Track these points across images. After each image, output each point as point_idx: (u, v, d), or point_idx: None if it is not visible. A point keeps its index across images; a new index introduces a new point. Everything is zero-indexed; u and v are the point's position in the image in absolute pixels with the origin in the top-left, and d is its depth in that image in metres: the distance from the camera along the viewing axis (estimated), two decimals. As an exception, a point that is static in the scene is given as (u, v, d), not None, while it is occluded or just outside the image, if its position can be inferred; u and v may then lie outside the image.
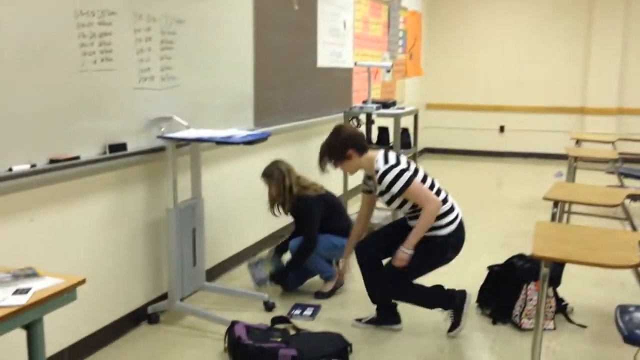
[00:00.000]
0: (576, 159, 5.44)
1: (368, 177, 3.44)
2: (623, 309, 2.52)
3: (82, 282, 1.98)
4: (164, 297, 3.60)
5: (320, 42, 5.66)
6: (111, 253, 3.28)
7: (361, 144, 3.30)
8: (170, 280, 3.47)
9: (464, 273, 4.19)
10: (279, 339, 3.09)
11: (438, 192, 3.23)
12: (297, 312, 3.67)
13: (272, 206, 4.00)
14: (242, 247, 4.63)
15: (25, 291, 1.85)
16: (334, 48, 6.01)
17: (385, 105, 5.27)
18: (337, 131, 3.35)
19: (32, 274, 1.98)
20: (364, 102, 5.27)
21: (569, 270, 4.32)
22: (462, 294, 3.35)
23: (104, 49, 3.04)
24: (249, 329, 3.16)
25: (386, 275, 3.31)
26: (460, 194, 6.81)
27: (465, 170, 8.87)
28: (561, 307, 3.59)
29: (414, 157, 5.57)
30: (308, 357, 2.99)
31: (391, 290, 3.33)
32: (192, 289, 3.66)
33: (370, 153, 3.29)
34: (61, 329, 2.98)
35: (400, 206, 3.24)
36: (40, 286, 1.90)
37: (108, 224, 3.25)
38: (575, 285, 4.08)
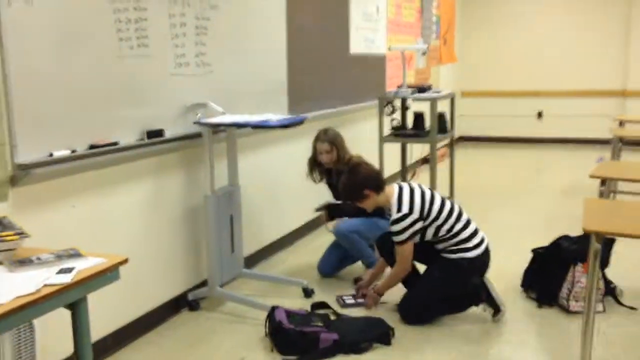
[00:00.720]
0: (621, 139, 5.27)
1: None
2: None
3: (125, 261, 1.97)
4: (203, 284, 3.60)
5: (353, 28, 5.60)
6: (151, 239, 3.29)
7: (377, 184, 3.31)
8: (209, 267, 3.47)
9: (509, 257, 4.09)
10: (320, 324, 3.06)
11: (459, 216, 3.27)
12: (350, 301, 3.60)
13: (317, 172, 4.03)
14: (280, 234, 4.61)
15: (69, 270, 1.84)
16: (367, 34, 5.93)
17: (421, 89, 5.18)
18: (354, 171, 3.36)
19: (76, 254, 1.98)
20: (399, 87, 5.18)
21: (615, 253, 4.20)
22: (480, 283, 3.29)
23: (140, 35, 3.03)
24: (289, 313, 3.13)
25: (413, 308, 3.30)
26: (498, 182, 6.70)
27: (503, 158, 8.70)
28: (610, 290, 3.48)
29: (451, 143, 5.48)
30: (349, 340, 2.97)
31: (423, 318, 3.28)
32: (231, 276, 3.65)
33: (388, 189, 3.31)
34: (104, 316, 2.99)
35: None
36: (84, 265, 1.89)
37: (147, 210, 3.25)
38: (623, 268, 3.94)
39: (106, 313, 3.01)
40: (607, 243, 3.45)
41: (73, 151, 2.68)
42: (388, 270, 3.55)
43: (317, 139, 3.96)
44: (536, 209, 5.60)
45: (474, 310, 3.36)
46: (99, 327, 2.96)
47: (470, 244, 3.24)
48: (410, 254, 3.26)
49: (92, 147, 2.78)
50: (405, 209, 3.17)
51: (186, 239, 3.56)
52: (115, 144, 2.90)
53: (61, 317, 1.95)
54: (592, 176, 3.61)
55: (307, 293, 3.68)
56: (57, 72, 2.59)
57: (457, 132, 10.00)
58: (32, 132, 2.50)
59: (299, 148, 3.99)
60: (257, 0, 4.03)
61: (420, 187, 3.30)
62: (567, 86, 9.39)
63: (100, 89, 2.82)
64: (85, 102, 2.75)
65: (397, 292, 3.43)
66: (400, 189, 3.25)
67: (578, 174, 6.65)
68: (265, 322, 3.15)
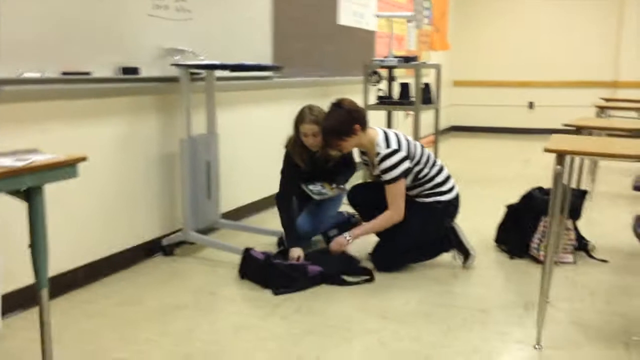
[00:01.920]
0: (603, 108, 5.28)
1: (362, 152, 3.39)
2: (641, 216, 2.43)
3: (83, 159, 1.97)
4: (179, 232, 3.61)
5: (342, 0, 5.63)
6: (124, 180, 3.30)
7: (365, 119, 3.20)
8: (184, 211, 3.47)
9: (485, 217, 4.11)
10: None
11: (435, 162, 3.27)
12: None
13: (299, 156, 3.49)
14: (263, 195, 4.60)
15: (25, 160, 1.85)
16: (356, 8, 5.96)
17: (407, 59, 5.20)
18: (340, 105, 3.17)
19: (35, 151, 1.99)
20: (385, 57, 5.21)
21: (594, 219, 4.24)
22: (449, 228, 3.31)
23: (117, -30, 3.05)
24: (264, 253, 3.15)
25: (388, 254, 3.27)
26: (486, 169, 6.69)
27: (494, 147, 8.71)
28: (582, 245, 3.49)
29: (436, 113, 5.50)
30: (333, 272, 3.08)
31: (398, 262, 3.28)
32: (207, 223, 3.66)
33: (370, 131, 3.21)
34: (75, 249, 3.02)
35: None
36: (41, 158, 1.90)
37: (121, 150, 3.26)
38: (600, 229, 3.98)
39: (78, 246, 3.03)
40: (579, 195, 3.46)
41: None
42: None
43: (302, 119, 3.40)
44: (519, 190, 5.60)
45: (445, 257, 3.37)
46: (69, 258, 2.98)
47: (444, 188, 3.26)
48: (403, 194, 3.15)
49: (64, 74, 2.79)
50: (394, 145, 3.13)
51: (162, 184, 3.57)
52: (88, 73, 2.91)
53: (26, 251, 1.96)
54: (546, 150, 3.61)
55: (283, 242, 3.66)
56: (30, -6, 2.61)
57: (449, 121, 10.06)
58: (2, 51, 2.50)
59: (280, 112, 3.97)
60: (242, -44, 4.05)
61: (400, 132, 3.30)
62: (558, 77, 9.44)
63: (75, 20, 2.84)
64: (59, 30, 2.76)
65: (367, 243, 3.44)
66: (385, 131, 3.23)
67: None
68: (241, 262, 3.16)
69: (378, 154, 3.14)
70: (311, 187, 3.51)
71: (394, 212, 3.18)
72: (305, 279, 3.01)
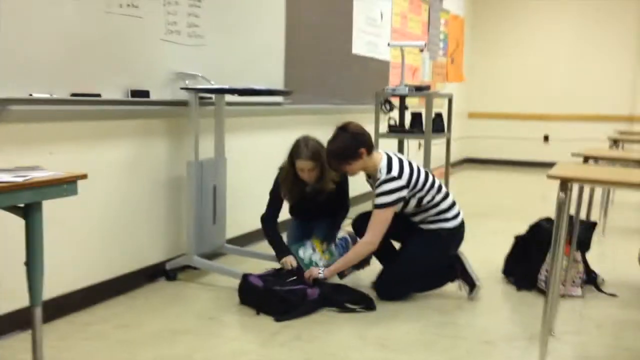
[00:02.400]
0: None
1: (369, 176, 3.38)
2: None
3: (83, 176, 1.99)
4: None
5: (356, 29, 5.68)
6: (130, 203, 3.31)
7: (371, 142, 3.20)
8: (188, 235, 3.47)
9: (494, 249, 4.06)
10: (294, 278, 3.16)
11: (440, 188, 3.23)
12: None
13: (293, 189, 3.47)
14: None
15: (24, 176, 1.86)
16: (370, 38, 6.01)
17: (419, 88, 5.21)
18: (346, 129, 3.16)
19: (37, 168, 2.01)
20: (397, 85, 5.22)
21: (605, 253, 4.17)
22: (455, 257, 3.27)
23: (130, -5, 3.11)
24: (262, 277, 3.13)
25: (392, 282, 3.23)
26: (501, 204, 6.61)
27: (509, 181, 8.63)
28: (591, 279, 3.42)
29: (447, 143, 5.48)
30: (332, 295, 3.07)
31: (402, 292, 3.24)
32: (211, 247, 3.65)
33: (376, 155, 3.21)
34: (76, 271, 3.01)
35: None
36: (41, 175, 1.91)
37: (128, 172, 3.28)
38: (610, 263, 3.91)
39: (79, 268, 3.03)
40: (588, 227, 3.41)
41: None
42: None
43: (298, 154, 3.32)
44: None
45: (449, 287, 3.32)
46: (70, 280, 2.98)
47: (449, 215, 3.22)
48: (386, 223, 3.11)
49: (73, 95, 2.83)
50: (395, 172, 3.11)
51: (167, 208, 3.58)
52: (97, 95, 2.95)
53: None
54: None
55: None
56: (42, 16, 2.65)
57: (464, 153, 10.03)
58: (12, 71, 2.55)
59: (292, 137, 3.92)
60: (255, -16, 4.11)
61: (405, 158, 3.29)
62: (574, 110, 9.39)
63: (86, 41, 2.88)
64: (69, 51, 2.80)
65: (370, 271, 3.40)
66: (389, 156, 3.21)
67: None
68: (240, 288, 3.14)
69: (378, 179, 3.13)
70: (301, 253, 3.40)
71: (369, 239, 3.13)
72: (305, 303, 2.98)
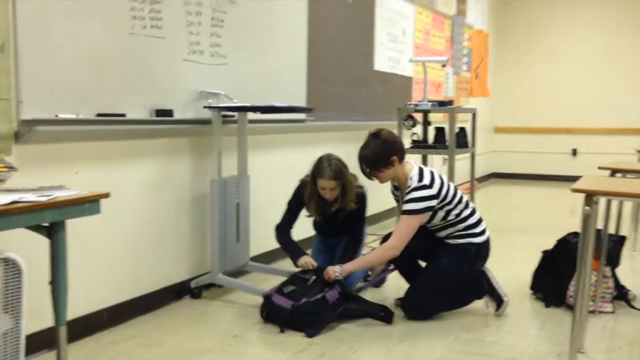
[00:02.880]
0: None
1: (395, 188, 3.35)
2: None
3: (106, 195, 2.01)
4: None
5: (378, 45, 5.69)
6: (154, 221, 3.33)
7: (403, 151, 3.18)
8: (212, 252, 3.48)
9: (522, 265, 4.00)
10: (314, 279, 3.17)
11: (467, 204, 3.20)
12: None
13: (315, 207, 3.46)
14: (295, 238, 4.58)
15: (47, 195, 1.89)
16: (392, 54, 6.01)
17: (442, 103, 5.19)
18: (378, 135, 3.14)
19: (60, 187, 2.03)
20: (420, 100, 5.20)
21: (636, 267, 4.07)
22: (481, 274, 3.22)
23: (153, 16, 3.15)
24: (285, 294, 3.11)
25: (420, 299, 3.18)
26: (530, 219, 6.51)
27: (536, 194, 8.51)
28: (622, 294, 3.34)
29: (472, 158, 5.43)
30: (349, 305, 3.12)
31: (428, 310, 3.19)
32: (235, 265, 3.65)
33: (407, 165, 3.18)
34: (102, 290, 3.03)
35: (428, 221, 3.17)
36: (64, 194, 1.94)
37: (153, 191, 3.31)
38: (641, 279, 3.82)
39: (104, 287, 3.05)
40: (618, 240, 3.33)
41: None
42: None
43: (320, 173, 3.30)
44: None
45: (476, 304, 3.27)
46: (95, 299, 3.00)
47: (477, 230, 3.18)
48: (413, 230, 3.05)
49: (99, 115, 2.87)
50: (426, 181, 3.08)
51: (192, 226, 3.60)
52: (122, 115, 2.99)
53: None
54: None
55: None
56: (69, 38, 2.71)
57: (491, 168, 9.93)
58: (39, 92, 2.60)
59: (315, 154, 3.92)
60: (278, 3, 4.14)
61: (436, 171, 3.26)
62: (602, 124, 9.25)
63: (111, 62, 2.93)
64: (94, 72, 2.85)
65: (397, 287, 3.37)
66: (421, 167, 3.19)
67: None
68: (262, 309, 3.13)
69: (409, 186, 3.09)
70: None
71: (393, 244, 3.07)
72: (329, 309, 3.00)
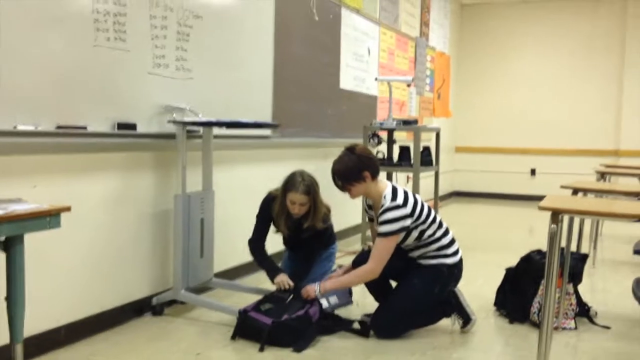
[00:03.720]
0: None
1: (369, 207, 3.34)
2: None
3: (67, 209, 1.95)
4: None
5: (344, 64, 5.72)
6: (115, 236, 3.25)
7: (376, 168, 3.17)
8: (175, 268, 3.41)
9: (485, 283, 4.02)
10: (291, 297, 3.18)
11: (440, 224, 3.21)
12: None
13: (283, 223, 3.45)
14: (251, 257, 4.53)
15: (4, 208, 1.82)
16: (358, 73, 6.05)
17: (407, 122, 5.23)
18: (353, 150, 3.14)
19: (19, 200, 1.96)
20: (385, 119, 5.24)
21: (596, 285, 4.14)
22: (450, 292, 3.22)
23: (118, 29, 3.10)
24: (263, 311, 3.08)
25: (390, 318, 3.15)
26: (491, 237, 6.58)
27: (496, 213, 8.63)
28: (584, 311, 3.38)
29: (436, 176, 5.48)
30: (327, 323, 3.13)
31: (399, 329, 3.16)
32: (199, 281, 3.58)
33: (380, 182, 3.18)
34: (59, 306, 2.94)
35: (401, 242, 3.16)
36: (23, 208, 1.87)
37: (114, 206, 3.23)
38: (602, 295, 3.88)
39: (62, 304, 2.95)
40: (580, 258, 3.39)
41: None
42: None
43: (293, 187, 3.30)
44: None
45: (443, 322, 3.26)
46: (53, 316, 2.90)
47: (449, 251, 3.17)
48: (390, 252, 3.06)
49: (58, 127, 2.80)
50: (400, 200, 3.07)
51: (154, 242, 3.52)
52: (84, 127, 2.92)
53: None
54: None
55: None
56: (29, 48, 2.64)
57: (451, 187, 10.05)
58: (-3, 102, 2.52)
59: (280, 170, 3.89)
60: (244, 17, 4.13)
61: (410, 191, 3.26)
62: (560, 144, 9.47)
63: (73, 74, 2.87)
64: (55, 83, 2.78)
65: (370, 304, 3.35)
66: (395, 186, 3.17)
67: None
68: (240, 326, 3.06)
69: (382, 205, 3.08)
70: None
71: (372, 267, 3.06)
72: (311, 327, 3.01)
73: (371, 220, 3.37)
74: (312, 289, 3.14)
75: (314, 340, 2.96)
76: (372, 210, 3.30)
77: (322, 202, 3.39)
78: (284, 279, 3.30)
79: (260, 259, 3.47)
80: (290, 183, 3.33)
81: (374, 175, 3.13)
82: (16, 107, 2.60)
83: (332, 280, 3.21)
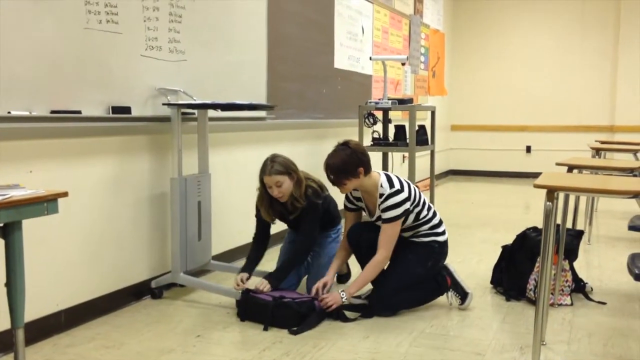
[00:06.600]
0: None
1: (357, 199, 3.33)
2: (636, 255, 2.38)
3: (64, 194, 1.94)
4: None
5: (338, 44, 5.69)
6: (113, 221, 3.25)
7: (369, 163, 3.18)
8: (173, 252, 3.42)
9: (480, 261, 4.05)
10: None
11: (430, 206, 3.28)
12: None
13: (270, 209, 3.42)
14: (249, 239, 4.53)
15: (2, 195, 1.82)
16: (352, 52, 6.02)
17: (402, 102, 5.22)
18: (347, 147, 3.15)
19: (16, 186, 1.96)
20: (380, 99, 5.23)
21: (591, 261, 4.18)
22: (444, 268, 3.29)
23: (109, 11, 3.08)
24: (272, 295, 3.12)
25: (387, 294, 3.17)
26: (487, 215, 6.61)
27: (492, 190, 8.66)
28: (580, 287, 3.42)
29: (432, 155, 5.49)
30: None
31: (394, 304, 3.18)
32: (197, 264, 3.59)
33: (373, 174, 3.19)
34: (59, 291, 2.95)
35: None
36: (21, 193, 1.87)
37: (110, 190, 3.23)
38: (597, 271, 3.91)
39: (62, 289, 2.96)
40: (575, 235, 3.41)
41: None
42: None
43: (262, 172, 3.29)
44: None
45: (440, 299, 3.30)
46: (53, 300, 2.91)
47: (439, 230, 3.28)
48: (396, 237, 3.12)
49: (53, 112, 2.78)
50: (397, 185, 3.12)
51: (152, 225, 3.52)
52: (78, 112, 2.90)
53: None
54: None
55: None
56: (21, 33, 2.61)
57: (447, 165, 10.07)
58: (-10, 88, 2.50)
59: (276, 151, 3.86)
60: (237, 1, 4.10)
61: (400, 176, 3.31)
62: (555, 121, 9.47)
63: (66, 58, 2.84)
64: (48, 68, 2.76)
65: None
66: (387, 174, 3.22)
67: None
68: (241, 305, 3.11)
69: (382, 194, 3.11)
70: None
71: (385, 255, 3.13)
72: (315, 313, 3.02)
73: (355, 210, 3.37)
74: (338, 296, 3.10)
75: (313, 328, 2.94)
76: (360, 202, 3.31)
77: (303, 179, 3.34)
78: (237, 277, 3.29)
79: (250, 253, 3.48)
80: (261, 169, 3.31)
81: (367, 172, 3.16)
82: (9, 92, 2.58)
83: (355, 283, 3.17)
